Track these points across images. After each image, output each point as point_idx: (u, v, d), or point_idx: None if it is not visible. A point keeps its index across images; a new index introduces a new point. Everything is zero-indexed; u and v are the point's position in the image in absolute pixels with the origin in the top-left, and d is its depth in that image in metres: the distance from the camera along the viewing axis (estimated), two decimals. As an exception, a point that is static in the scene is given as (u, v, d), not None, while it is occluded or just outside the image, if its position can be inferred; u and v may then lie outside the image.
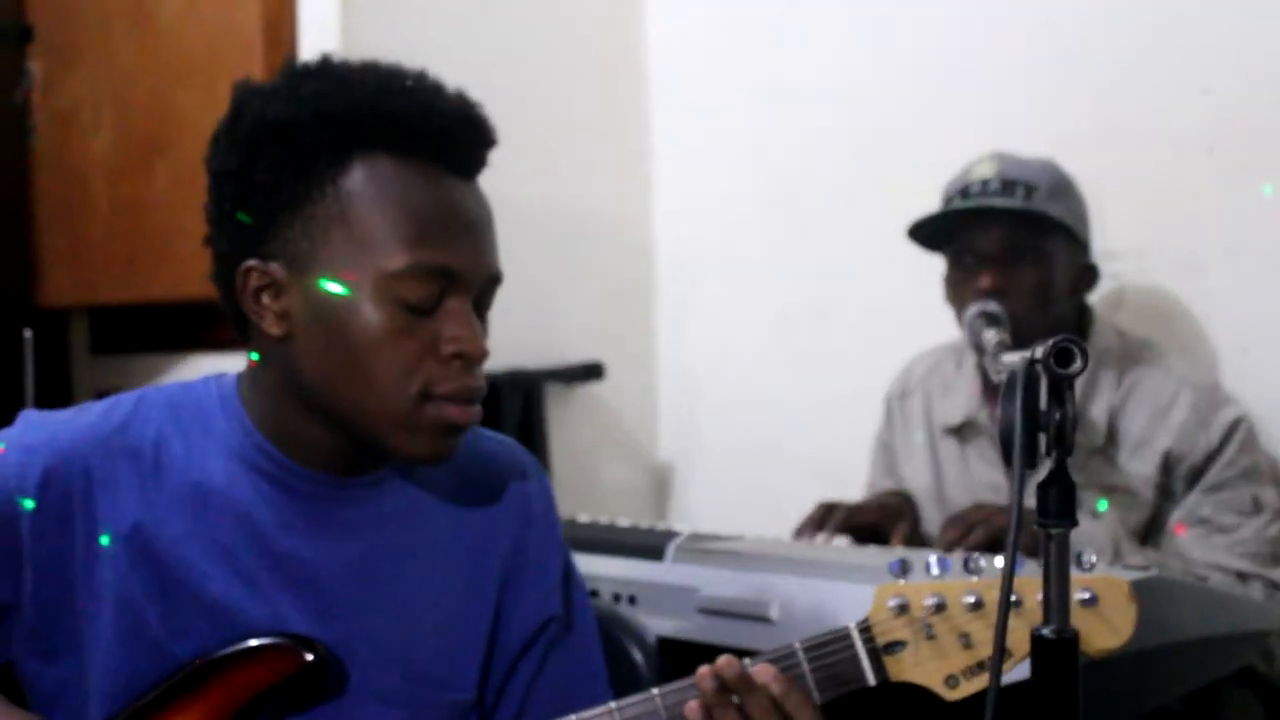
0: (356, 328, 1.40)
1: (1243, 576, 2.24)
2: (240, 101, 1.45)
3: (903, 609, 1.46)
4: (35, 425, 1.48)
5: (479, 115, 1.47)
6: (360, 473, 1.51)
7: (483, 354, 1.42)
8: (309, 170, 1.41)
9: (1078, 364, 1.22)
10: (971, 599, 1.45)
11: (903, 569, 1.47)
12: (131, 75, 3.19)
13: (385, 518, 1.53)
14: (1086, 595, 1.43)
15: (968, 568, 1.46)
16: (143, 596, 1.44)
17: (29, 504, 1.42)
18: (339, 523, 1.50)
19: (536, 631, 1.61)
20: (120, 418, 1.49)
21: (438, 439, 1.43)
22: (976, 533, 2.14)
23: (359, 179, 1.40)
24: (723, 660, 1.44)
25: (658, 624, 1.93)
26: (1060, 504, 1.25)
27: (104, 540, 1.44)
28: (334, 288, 1.40)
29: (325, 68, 1.46)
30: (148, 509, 1.45)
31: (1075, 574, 1.34)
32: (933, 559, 1.46)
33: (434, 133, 1.42)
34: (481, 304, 1.46)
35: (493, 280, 1.46)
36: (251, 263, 1.43)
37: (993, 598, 1.44)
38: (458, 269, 1.41)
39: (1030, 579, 1.37)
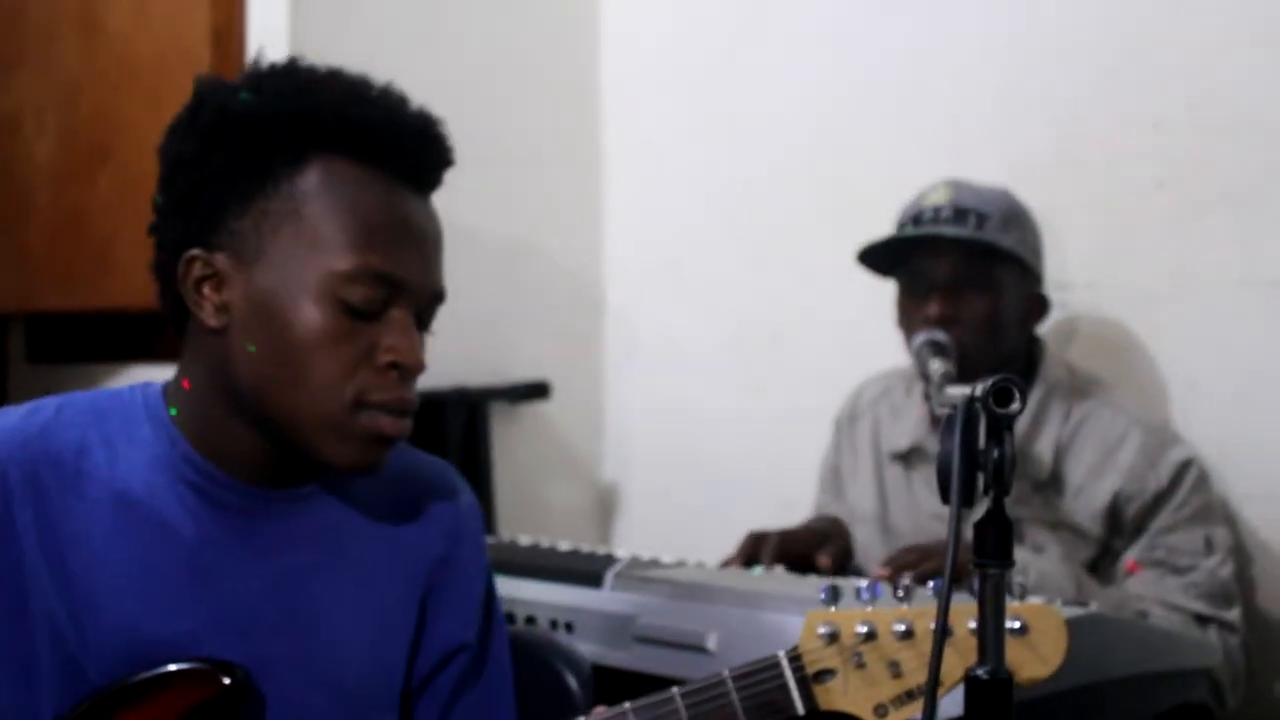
0: (297, 326, 1.38)
1: (1200, 619, 2.24)
2: (202, 93, 1.44)
3: (833, 637, 1.45)
4: None
5: (441, 133, 1.47)
6: (288, 485, 1.48)
7: (420, 366, 1.41)
8: (266, 165, 1.40)
9: (1016, 405, 1.21)
10: (901, 627, 1.44)
11: (833, 596, 1.46)
12: (77, 82, 3.15)
13: (312, 533, 1.50)
14: (1016, 624, 1.42)
15: (897, 595, 1.45)
16: (59, 609, 1.41)
17: None
18: (264, 538, 1.47)
19: (449, 655, 1.59)
20: (41, 422, 1.45)
21: (367, 448, 1.41)
22: (929, 563, 2.11)
23: (315, 179, 1.40)
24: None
25: (594, 652, 1.91)
26: (997, 544, 1.24)
27: (20, 549, 1.40)
28: (278, 283, 1.39)
29: (291, 68, 1.45)
30: (67, 518, 1.42)
31: (1007, 601, 1.33)
32: (862, 585, 1.45)
33: (395, 143, 1.42)
34: (423, 320, 1.45)
35: (436, 297, 1.46)
36: (196, 252, 1.41)
37: (923, 626, 1.44)
38: (404, 279, 1.40)
39: (960, 607, 1.36)
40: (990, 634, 1.23)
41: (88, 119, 3.14)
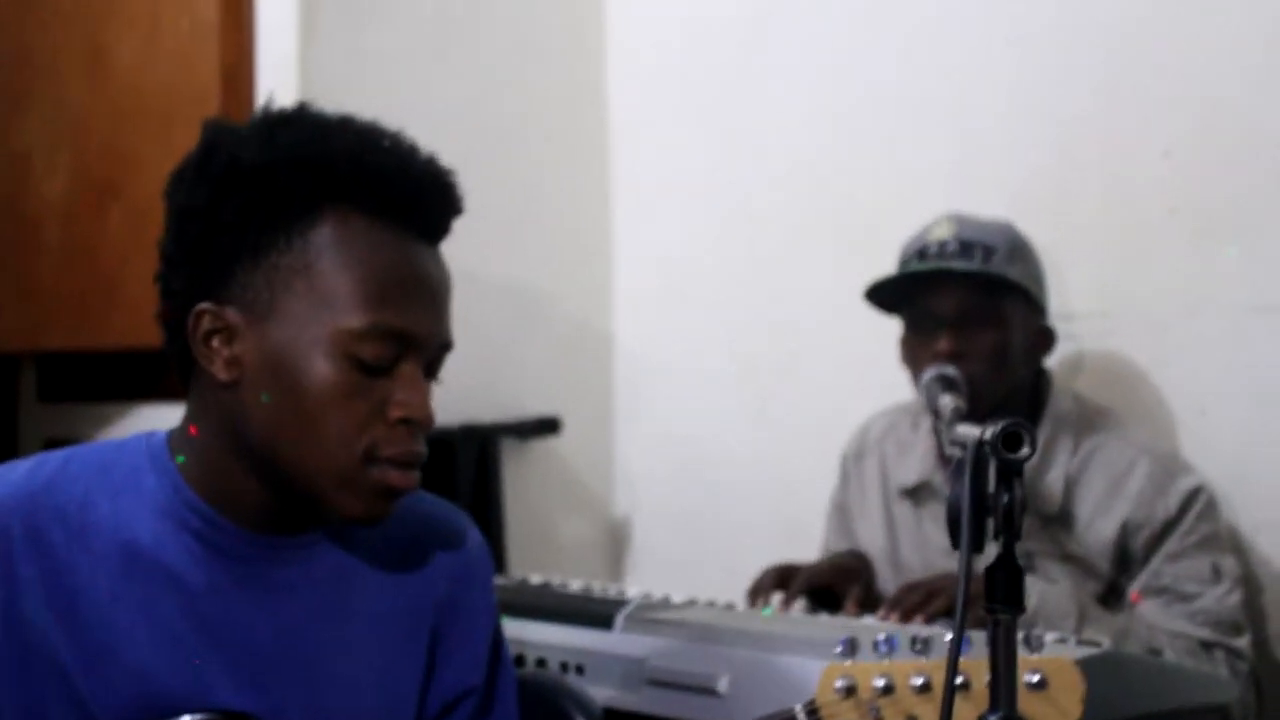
0: (308, 382, 1.38)
1: (1206, 646, 2.22)
2: (212, 140, 1.43)
3: (849, 690, 1.44)
4: None
5: (451, 181, 1.46)
6: (294, 532, 1.48)
7: (430, 421, 1.41)
8: (277, 217, 1.40)
9: (1025, 449, 1.21)
10: (919, 681, 1.43)
11: (850, 648, 1.45)
12: (86, 118, 3.16)
13: (319, 580, 1.50)
14: (1035, 678, 1.41)
15: (914, 648, 1.44)
16: (69, 661, 1.40)
17: None
18: (271, 585, 1.47)
19: (455, 700, 1.58)
20: (46, 476, 1.45)
21: (376, 501, 1.42)
22: (937, 601, 2.11)
23: (327, 233, 1.39)
24: None
25: (606, 695, 1.90)
26: (1007, 589, 1.24)
27: (27, 603, 1.40)
28: (290, 339, 1.38)
29: (302, 116, 1.45)
30: (74, 570, 1.41)
31: (1023, 655, 1.33)
32: (881, 637, 1.45)
33: (407, 194, 1.42)
34: (431, 369, 1.45)
35: (445, 347, 1.46)
36: (206, 305, 1.41)
37: (941, 680, 1.43)
38: (415, 334, 1.40)
39: (979, 661, 1.35)
40: (1002, 679, 1.23)
41: (97, 156, 3.15)
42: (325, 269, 1.39)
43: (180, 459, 1.46)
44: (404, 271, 1.41)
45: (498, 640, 1.64)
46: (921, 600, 2.13)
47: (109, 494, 1.45)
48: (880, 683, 1.43)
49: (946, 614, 2.10)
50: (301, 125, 1.43)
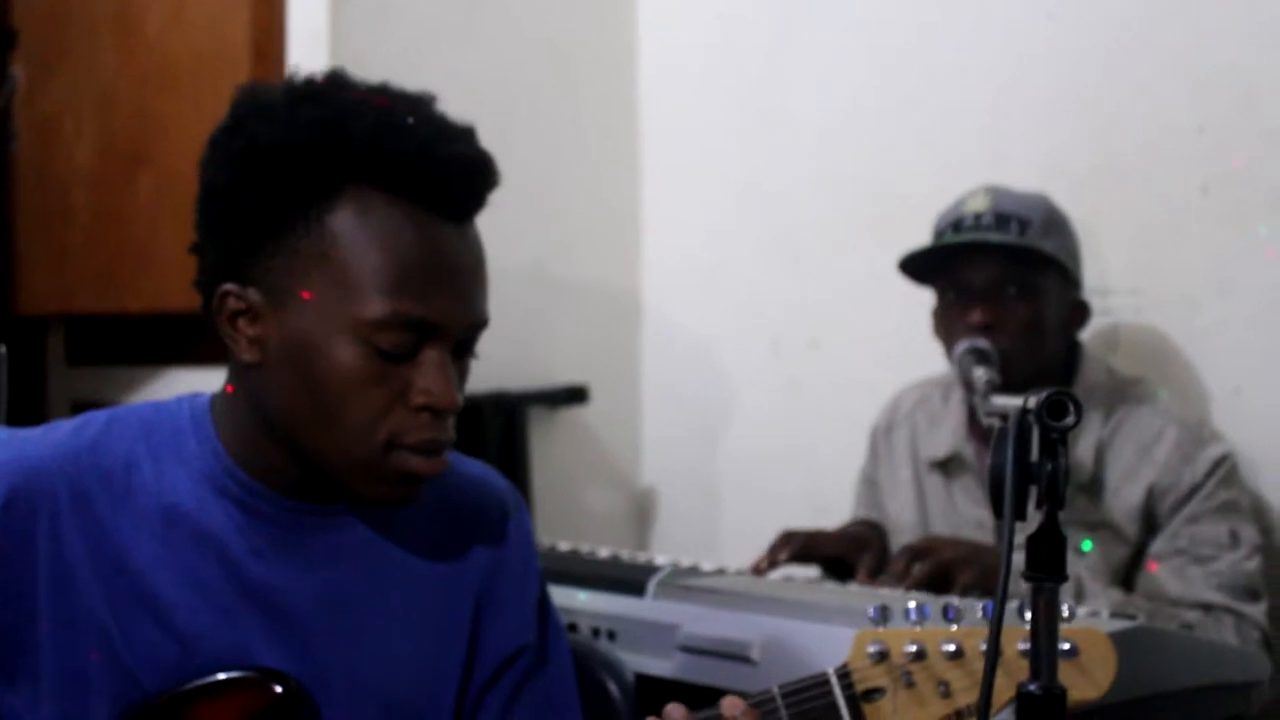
0: (328, 369, 1.37)
1: (1209, 608, 2.21)
2: (236, 114, 1.42)
3: (882, 656, 1.44)
4: (2, 443, 1.44)
5: (481, 156, 1.42)
6: (332, 500, 1.48)
7: (453, 406, 1.39)
8: (297, 200, 1.38)
9: (1071, 418, 1.20)
10: (951, 647, 1.43)
11: (882, 615, 1.45)
12: (116, 83, 3.17)
13: (358, 545, 1.50)
14: (1066, 646, 1.41)
15: (947, 615, 1.44)
16: (110, 622, 1.41)
17: None
18: (311, 550, 1.47)
19: (508, 659, 1.58)
20: (91, 437, 1.46)
21: (398, 487, 1.41)
22: (922, 565, 2.11)
23: (346, 218, 1.37)
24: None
25: (637, 661, 1.90)
26: (1051, 558, 1.23)
27: (71, 563, 1.40)
28: (310, 325, 1.37)
29: (326, 93, 1.41)
30: (117, 532, 1.42)
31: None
32: (912, 605, 1.44)
33: (429, 175, 1.38)
34: (463, 349, 1.43)
35: (476, 326, 1.44)
36: (230, 286, 1.40)
37: (972, 646, 1.43)
38: (436, 321, 1.38)
39: (1009, 629, 1.35)
40: (1043, 649, 1.22)
41: (126, 122, 3.16)
42: (344, 256, 1.37)
43: (219, 423, 1.46)
44: (425, 257, 1.38)
45: (544, 598, 1.64)
46: (905, 565, 2.13)
47: (152, 456, 1.45)
48: (912, 648, 1.43)
49: (931, 577, 2.09)
50: (325, 101, 1.39)
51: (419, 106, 1.42)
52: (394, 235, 1.37)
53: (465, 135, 1.43)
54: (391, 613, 1.51)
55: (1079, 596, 2.10)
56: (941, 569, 2.10)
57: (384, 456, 1.39)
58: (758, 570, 2.27)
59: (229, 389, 1.47)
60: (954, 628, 1.44)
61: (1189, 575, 2.24)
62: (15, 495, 1.39)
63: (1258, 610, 2.25)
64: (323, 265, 1.37)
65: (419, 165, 1.38)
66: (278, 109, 1.39)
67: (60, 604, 1.40)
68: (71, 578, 1.40)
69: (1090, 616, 1.81)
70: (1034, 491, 1.23)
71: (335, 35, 2.90)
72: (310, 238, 1.37)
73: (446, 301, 1.39)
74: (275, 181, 1.38)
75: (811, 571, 2.40)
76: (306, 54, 2.92)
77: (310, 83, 1.43)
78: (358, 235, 1.37)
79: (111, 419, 1.48)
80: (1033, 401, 1.22)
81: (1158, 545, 2.29)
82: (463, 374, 1.44)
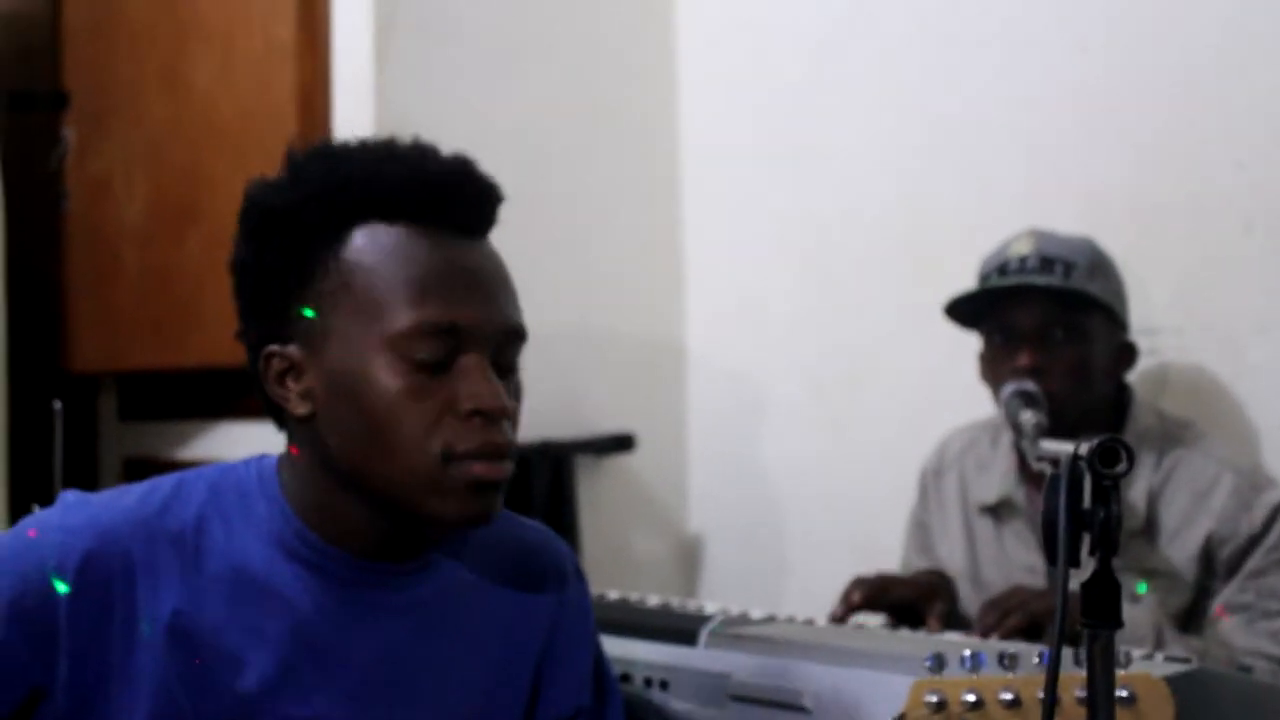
0: (374, 395, 1.39)
1: None
2: (249, 197, 1.47)
3: (940, 706, 1.44)
4: (75, 507, 1.46)
5: (474, 173, 1.46)
6: (402, 559, 1.49)
7: (501, 408, 1.40)
8: (311, 249, 1.42)
9: (1123, 465, 1.20)
10: (1009, 696, 1.43)
11: (938, 664, 1.45)
12: (164, 141, 3.21)
13: (424, 605, 1.51)
14: (1124, 694, 1.40)
15: (1003, 663, 1.44)
16: (180, 685, 1.42)
17: (65, 588, 1.40)
18: (378, 610, 1.48)
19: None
20: (160, 501, 1.48)
21: (469, 499, 1.41)
22: (1014, 618, 2.10)
23: (358, 248, 1.41)
24: None
25: (689, 710, 1.89)
26: (1105, 605, 1.23)
27: (143, 627, 1.42)
28: (348, 357, 1.40)
29: (321, 150, 1.48)
30: (187, 595, 1.43)
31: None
32: (967, 653, 1.44)
33: (425, 196, 1.42)
34: (504, 359, 1.44)
35: (510, 333, 1.44)
36: (273, 348, 1.44)
37: (1030, 694, 1.43)
38: (465, 325, 1.40)
39: (1067, 675, 1.35)
40: (1100, 696, 1.22)
41: (175, 179, 3.20)
42: (364, 281, 1.41)
43: (286, 485, 1.48)
44: (439, 265, 1.41)
45: (600, 661, 1.66)
46: (998, 619, 2.11)
47: (221, 518, 1.47)
48: (970, 697, 1.43)
49: (1023, 630, 2.08)
50: (319, 158, 1.46)
51: (410, 140, 1.48)
52: (407, 252, 1.41)
53: (458, 158, 1.47)
54: (455, 673, 1.52)
55: (1159, 644, 2.09)
56: (1033, 621, 2.09)
57: (444, 470, 1.39)
58: (835, 620, 2.26)
59: (293, 450, 1.49)
60: (1010, 675, 1.44)
61: (1257, 629, 2.23)
62: (90, 559, 1.41)
63: None
64: (346, 297, 1.41)
65: (415, 189, 1.42)
66: (281, 178, 1.45)
67: (131, 666, 1.42)
68: (142, 640, 1.42)
69: (1144, 660, 1.80)
70: (1087, 538, 1.23)
71: (380, 89, 2.93)
72: (330, 277, 1.42)
73: (470, 304, 1.41)
74: (290, 239, 1.43)
75: (879, 618, 2.39)
76: (352, 107, 2.96)
77: (307, 149, 1.49)
78: (373, 260, 1.41)
79: (180, 482, 1.50)
80: (1084, 448, 1.22)
81: (1223, 598, 2.27)
82: (514, 391, 1.45)
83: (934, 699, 1.43)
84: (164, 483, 1.50)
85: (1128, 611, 2.11)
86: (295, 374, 1.43)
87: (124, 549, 1.42)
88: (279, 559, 1.46)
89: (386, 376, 1.39)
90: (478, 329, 1.40)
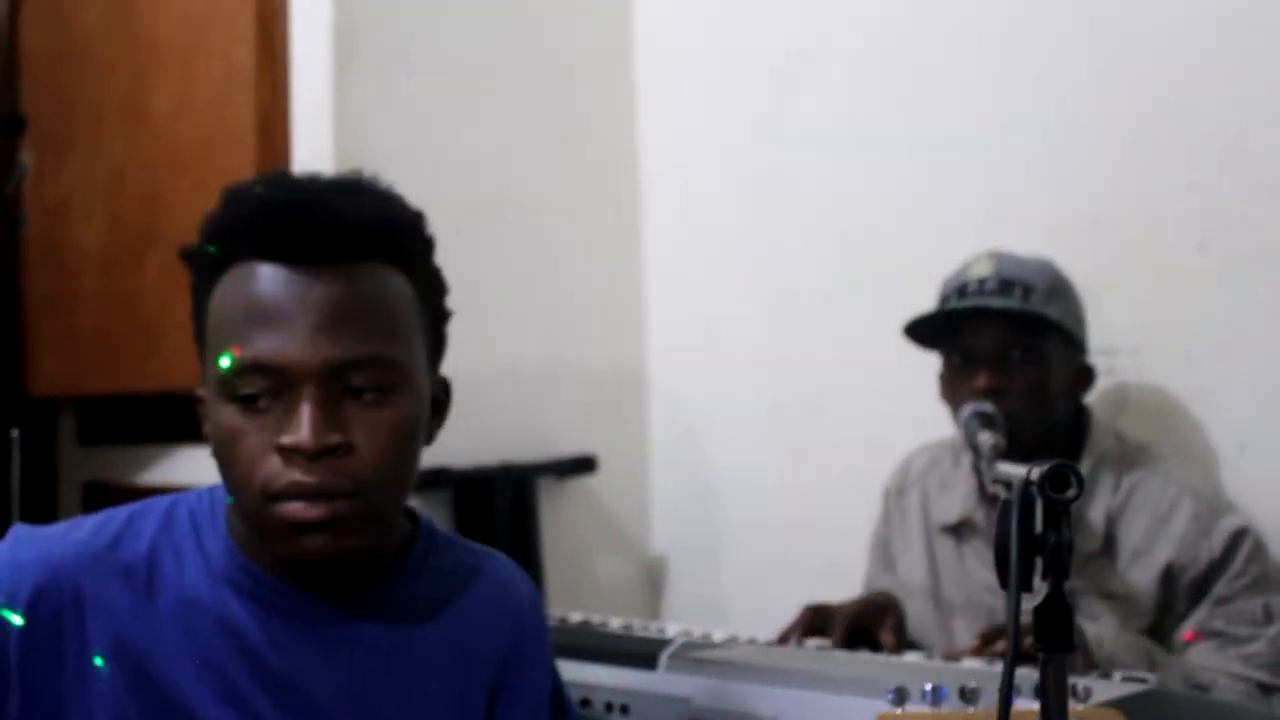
0: (215, 435, 1.40)
1: (1265, 689, 2.21)
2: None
3: None
4: (25, 541, 1.45)
5: (324, 199, 1.42)
6: (348, 589, 1.49)
7: (308, 445, 1.35)
8: (201, 290, 1.44)
9: (1073, 490, 1.21)
10: (971, 730, 1.43)
11: (900, 697, 1.45)
12: (123, 166, 3.20)
13: (377, 636, 1.51)
14: (1082, 728, 1.41)
15: (964, 697, 1.45)
16: (136, 718, 1.42)
17: (18, 621, 1.39)
18: (330, 643, 1.48)
19: None
20: (112, 534, 1.47)
21: (292, 539, 1.38)
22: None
23: (219, 289, 1.42)
24: None
25: (650, 735, 1.90)
26: (1058, 630, 1.23)
27: (97, 661, 1.41)
28: (208, 400, 1.41)
29: (229, 189, 1.46)
30: (140, 628, 1.43)
31: (1070, 704, 1.32)
32: (929, 687, 1.45)
33: (270, 229, 1.39)
34: (355, 387, 1.39)
35: (344, 365, 1.38)
36: (198, 392, 1.45)
37: None
38: (280, 363, 1.36)
39: (1027, 710, 1.35)
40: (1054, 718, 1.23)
41: (134, 204, 3.19)
42: (209, 325, 1.42)
43: (232, 520, 1.48)
44: (261, 303, 1.38)
45: (558, 688, 1.66)
46: (982, 647, 2.10)
47: (173, 551, 1.47)
48: (933, 733, 1.44)
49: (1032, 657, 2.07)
50: (225, 195, 1.45)
51: (292, 173, 1.48)
52: (239, 291, 1.40)
53: (331, 186, 1.44)
54: (409, 705, 1.51)
55: (1154, 665, 2.09)
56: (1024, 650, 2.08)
57: (266, 510, 1.38)
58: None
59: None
60: (971, 709, 1.45)
61: (1227, 655, 2.24)
62: (40, 594, 1.40)
63: None
64: (206, 338, 1.43)
65: (259, 220, 1.40)
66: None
67: (85, 700, 1.41)
68: (96, 674, 1.41)
69: (1101, 679, 1.81)
70: (1040, 563, 1.24)
71: (339, 116, 2.92)
72: (207, 319, 1.43)
73: (285, 341, 1.37)
74: (194, 280, 1.45)
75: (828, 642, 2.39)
76: (311, 134, 2.95)
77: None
78: (219, 300, 1.41)
79: (133, 515, 1.50)
80: (1035, 473, 1.23)
81: (1191, 624, 2.28)
82: (385, 423, 1.40)
83: (898, 734, 1.44)
84: (117, 515, 1.50)
85: (1117, 641, 2.12)
86: (205, 414, 1.44)
87: (75, 583, 1.42)
88: (228, 593, 1.46)
89: (220, 416, 1.39)
90: (294, 366, 1.36)
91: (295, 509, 1.36)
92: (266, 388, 1.37)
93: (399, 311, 1.44)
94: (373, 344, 1.40)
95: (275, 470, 1.37)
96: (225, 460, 1.40)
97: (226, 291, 1.41)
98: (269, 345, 1.37)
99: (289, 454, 1.36)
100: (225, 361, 1.38)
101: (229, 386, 1.38)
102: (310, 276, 1.39)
